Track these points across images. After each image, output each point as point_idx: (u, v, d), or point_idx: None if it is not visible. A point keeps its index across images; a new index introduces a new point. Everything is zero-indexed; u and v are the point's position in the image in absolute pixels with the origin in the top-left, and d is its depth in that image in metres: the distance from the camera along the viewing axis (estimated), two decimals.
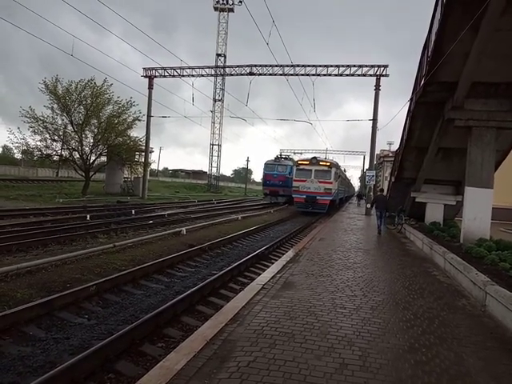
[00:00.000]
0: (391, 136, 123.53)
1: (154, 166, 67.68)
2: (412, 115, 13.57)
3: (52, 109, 30.85)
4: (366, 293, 6.52)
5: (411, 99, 13.92)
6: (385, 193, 20.49)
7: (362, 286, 6.94)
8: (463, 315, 5.71)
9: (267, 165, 37.50)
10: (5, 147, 76.12)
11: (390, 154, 55.29)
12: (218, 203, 34.62)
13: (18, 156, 51.33)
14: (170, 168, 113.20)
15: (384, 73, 28.32)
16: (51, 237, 11.93)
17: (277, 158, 38.30)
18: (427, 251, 11.31)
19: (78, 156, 32.87)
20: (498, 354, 4.37)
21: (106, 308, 6.65)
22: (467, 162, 10.94)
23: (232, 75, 34.46)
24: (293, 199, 34.42)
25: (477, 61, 9.15)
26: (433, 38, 10.01)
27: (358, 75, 29.23)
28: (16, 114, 30.75)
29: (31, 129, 30.13)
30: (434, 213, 15.93)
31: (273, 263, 9.75)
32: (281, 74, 31.13)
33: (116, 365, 4.61)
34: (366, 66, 28.85)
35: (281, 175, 35.83)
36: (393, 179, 19.35)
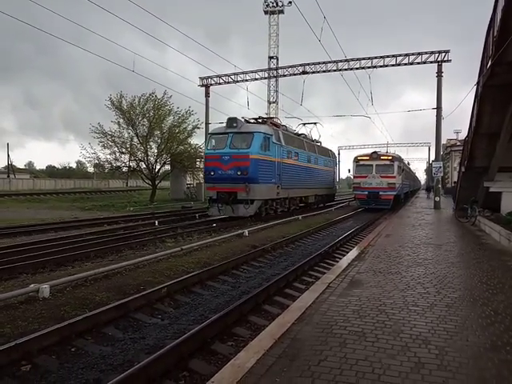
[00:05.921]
0: (457, 124, 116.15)
1: None
2: (480, 100, 12.66)
3: (118, 123, 32.98)
4: (440, 289, 6.18)
5: (478, 83, 13.01)
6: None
7: (435, 283, 6.58)
8: None
9: (212, 136, 19.68)
10: (78, 162, 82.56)
11: (458, 143, 52.02)
12: None
13: (91, 169, 55.34)
14: None
15: (446, 58, 26.80)
16: (124, 243, 12.70)
17: (231, 120, 18.68)
18: (505, 244, 10.49)
19: (144, 166, 34.78)
20: None
21: (177, 308, 6.91)
22: None
23: (285, 76, 34.31)
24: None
25: None
26: (498, 15, 9.31)
27: (418, 63, 27.85)
28: (86, 130, 33.32)
29: (101, 143, 32.50)
30: (511, 203, 14.79)
31: (337, 262, 9.58)
32: (335, 70, 30.45)
33: (189, 363, 4.76)
34: (426, 53, 27.42)
35: (240, 156, 17.86)
36: (463, 169, 18.39)
